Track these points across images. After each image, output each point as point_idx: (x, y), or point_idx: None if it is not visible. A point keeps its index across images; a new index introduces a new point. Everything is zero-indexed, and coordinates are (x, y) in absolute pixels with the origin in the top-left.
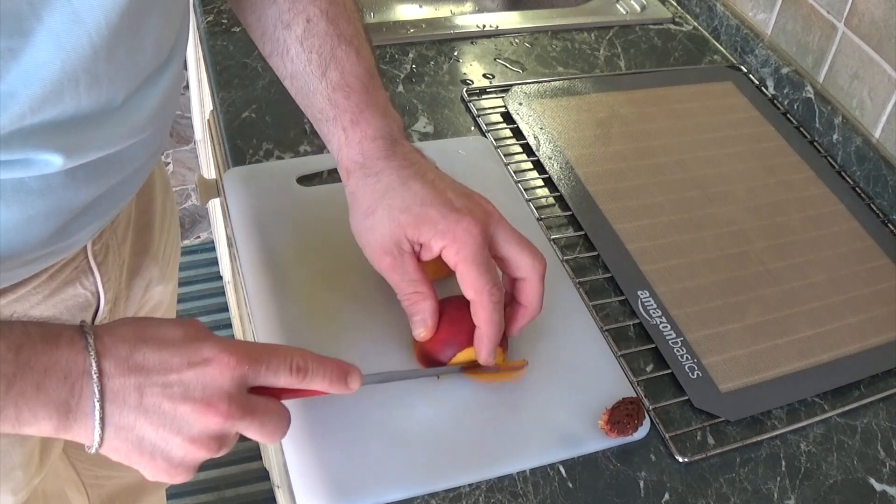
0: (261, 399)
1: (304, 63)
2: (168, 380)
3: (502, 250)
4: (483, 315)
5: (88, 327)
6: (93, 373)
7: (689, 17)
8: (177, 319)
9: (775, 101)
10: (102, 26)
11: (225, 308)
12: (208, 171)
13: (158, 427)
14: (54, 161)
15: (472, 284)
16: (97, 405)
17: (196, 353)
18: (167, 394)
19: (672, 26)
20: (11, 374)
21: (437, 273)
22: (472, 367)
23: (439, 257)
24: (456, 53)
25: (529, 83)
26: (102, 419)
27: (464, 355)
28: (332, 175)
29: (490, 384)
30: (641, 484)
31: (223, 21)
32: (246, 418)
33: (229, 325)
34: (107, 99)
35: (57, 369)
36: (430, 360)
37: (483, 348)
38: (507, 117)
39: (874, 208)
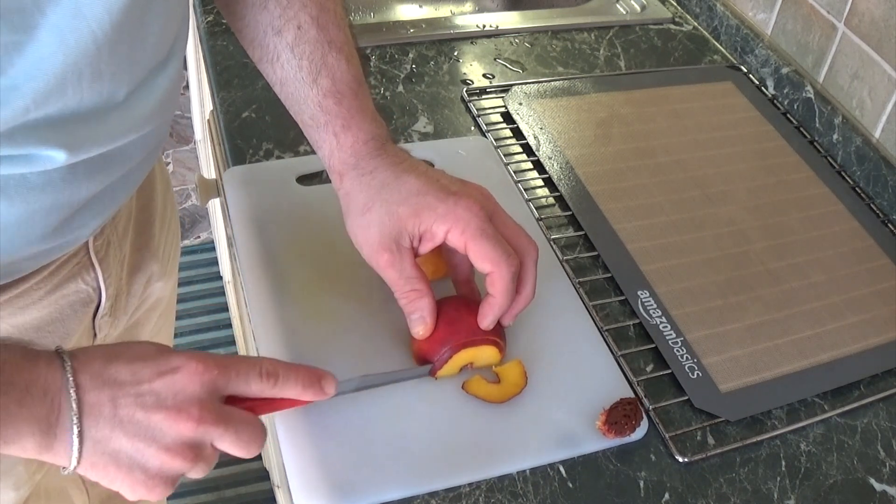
0: (234, 409)
1: (295, 69)
2: (140, 390)
3: None
4: (501, 285)
5: (62, 349)
6: (69, 388)
7: (689, 17)
8: (149, 341)
9: (775, 101)
10: (105, 21)
11: (225, 308)
12: (208, 171)
13: (133, 437)
14: (57, 157)
15: (486, 257)
16: (75, 419)
17: (165, 363)
18: (140, 403)
19: (672, 26)
20: None
21: (436, 273)
22: (472, 384)
23: (436, 257)
24: (456, 53)
25: (529, 83)
26: (80, 433)
27: (460, 358)
28: None
29: (489, 400)
30: (641, 484)
31: (223, 21)
32: (220, 425)
33: (229, 326)
34: (109, 94)
35: (38, 386)
36: (427, 359)
37: (491, 315)
38: (507, 117)
39: (874, 208)
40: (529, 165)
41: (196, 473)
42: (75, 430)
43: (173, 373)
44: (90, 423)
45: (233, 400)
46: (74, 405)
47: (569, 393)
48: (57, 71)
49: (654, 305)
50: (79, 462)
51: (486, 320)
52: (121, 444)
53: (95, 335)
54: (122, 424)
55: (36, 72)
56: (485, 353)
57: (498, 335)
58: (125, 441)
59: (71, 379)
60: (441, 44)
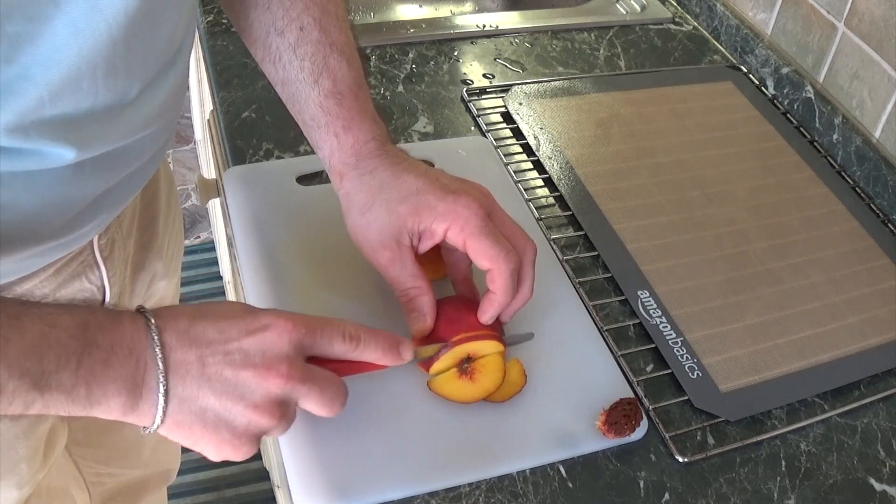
0: (318, 368)
1: (297, 70)
2: (228, 348)
3: None
4: (500, 282)
5: (145, 308)
6: (155, 346)
7: (689, 17)
8: (235, 301)
9: (775, 101)
10: (121, 14)
11: None
12: (208, 171)
13: (221, 395)
14: (65, 155)
15: (485, 254)
16: (161, 378)
17: (254, 321)
18: (228, 361)
19: (672, 26)
20: (80, 352)
21: (436, 273)
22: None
23: (436, 257)
24: (456, 53)
25: (529, 83)
26: (167, 392)
27: (458, 352)
28: None
29: (490, 399)
30: (641, 484)
31: (223, 21)
32: (306, 382)
33: None
34: (123, 90)
35: (122, 345)
36: (426, 358)
37: (491, 310)
38: (507, 117)
39: (874, 208)
40: (529, 165)
41: (278, 432)
42: (161, 389)
43: (263, 331)
44: (177, 382)
45: (314, 362)
46: (161, 363)
47: (569, 393)
48: (72, 62)
49: (654, 305)
50: (163, 421)
51: (486, 315)
52: (208, 402)
53: None
54: (210, 382)
55: (49, 61)
56: (486, 347)
57: (497, 332)
58: (213, 399)
59: (156, 338)
60: (441, 44)
